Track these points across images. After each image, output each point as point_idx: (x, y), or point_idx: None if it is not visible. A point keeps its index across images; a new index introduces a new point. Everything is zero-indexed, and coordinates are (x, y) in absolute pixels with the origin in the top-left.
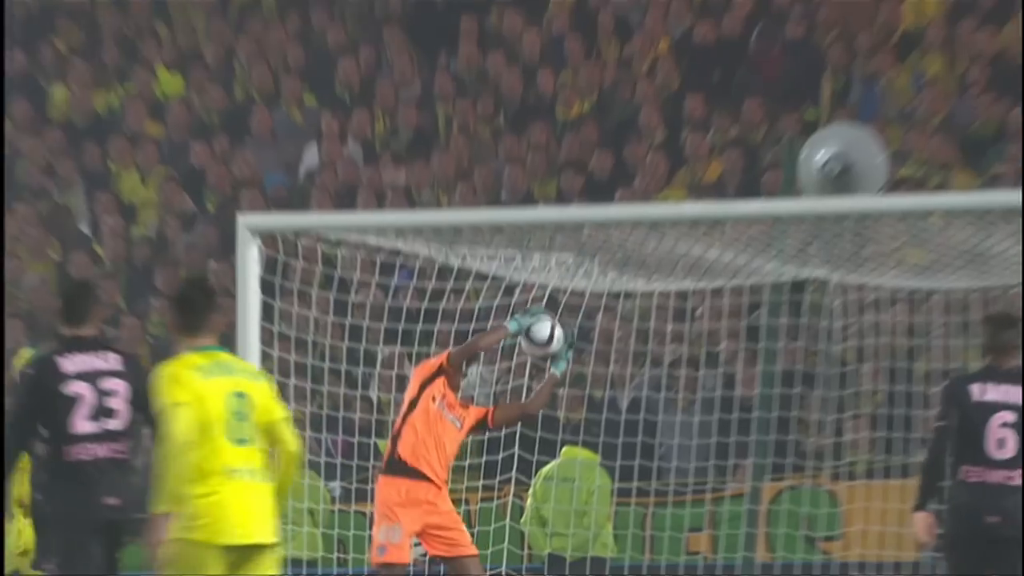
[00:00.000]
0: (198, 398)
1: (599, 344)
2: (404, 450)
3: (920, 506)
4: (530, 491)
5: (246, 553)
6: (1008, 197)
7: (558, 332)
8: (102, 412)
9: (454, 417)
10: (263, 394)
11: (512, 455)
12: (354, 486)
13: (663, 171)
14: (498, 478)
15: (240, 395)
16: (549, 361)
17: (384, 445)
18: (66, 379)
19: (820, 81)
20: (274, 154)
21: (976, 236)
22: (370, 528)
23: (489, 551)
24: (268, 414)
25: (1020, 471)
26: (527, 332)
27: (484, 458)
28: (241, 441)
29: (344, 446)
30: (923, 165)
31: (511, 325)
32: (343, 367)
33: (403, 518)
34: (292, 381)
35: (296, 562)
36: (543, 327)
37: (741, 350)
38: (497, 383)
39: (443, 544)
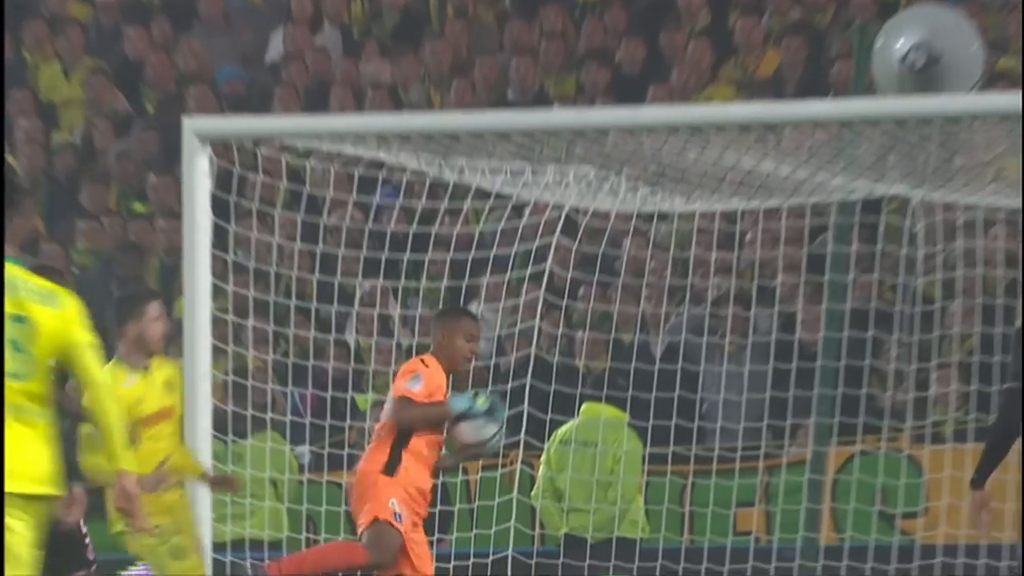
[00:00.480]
0: None
1: (627, 277)
2: (408, 475)
3: (978, 481)
4: (543, 458)
5: (22, 504)
6: None
7: (493, 442)
8: None
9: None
10: (55, 319)
11: (520, 413)
12: (327, 451)
13: (707, 63)
14: (503, 441)
15: (19, 319)
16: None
17: (363, 401)
18: None
19: None
20: (228, 42)
21: None
22: (346, 503)
23: (492, 531)
24: (62, 339)
25: None
26: (464, 420)
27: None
28: (14, 376)
29: (315, 402)
30: None
31: (458, 403)
32: (313, 305)
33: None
34: (250, 323)
35: (256, 543)
36: (486, 431)
37: (802, 284)
38: (502, 326)
39: (407, 561)
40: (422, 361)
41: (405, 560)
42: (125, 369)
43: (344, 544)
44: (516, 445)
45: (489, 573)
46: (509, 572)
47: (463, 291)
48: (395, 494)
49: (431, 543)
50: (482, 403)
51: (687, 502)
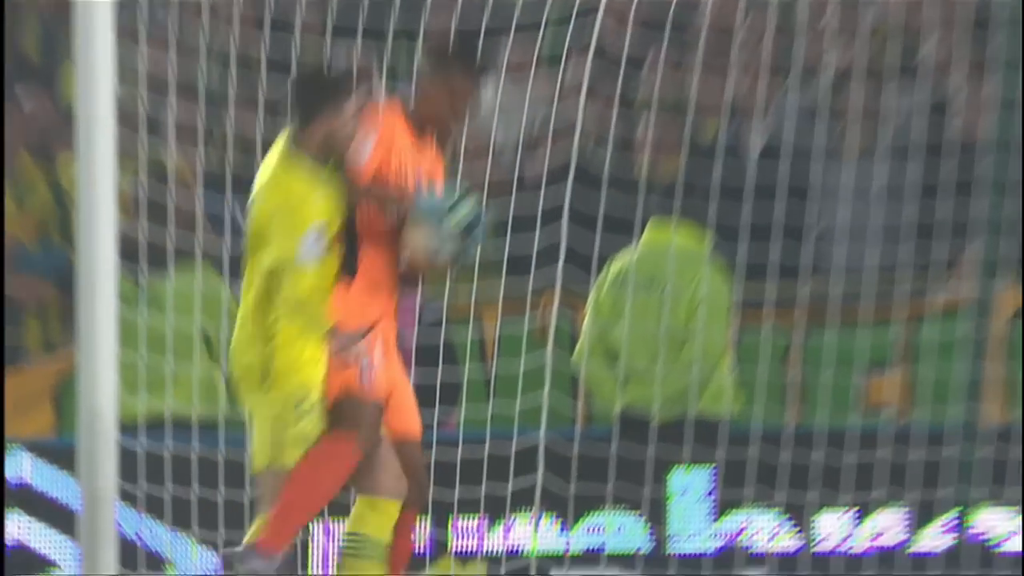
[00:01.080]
0: None
1: (708, 42)
2: (371, 276)
3: None
4: (589, 303)
5: None
6: None
7: (448, 257)
8: None
9: None
10: None
11: (556, 242)
12: None
13: None
14: (532, 279)
15: None
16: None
17: None
18: None
19: None
20: None
21: None
22: None
23: (516, 408)
24: None
25: None
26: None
27: (507, 243)
28: None
29: None
30: None
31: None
32: (261, 85)
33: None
34: (171, 109)
35: (181, 424)
36: (439, 238)
37: (959, 56)
38: (531, 115)
39: (394, 416)
40: (378, 111)
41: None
42: (301, 173)
43: (314, 461)
44: (550, 285)
45: (512, 465)
46: (541, 463)
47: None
48: (360, 316)
49: (429, 428)
50: (444, 195)
51: (794, 366)
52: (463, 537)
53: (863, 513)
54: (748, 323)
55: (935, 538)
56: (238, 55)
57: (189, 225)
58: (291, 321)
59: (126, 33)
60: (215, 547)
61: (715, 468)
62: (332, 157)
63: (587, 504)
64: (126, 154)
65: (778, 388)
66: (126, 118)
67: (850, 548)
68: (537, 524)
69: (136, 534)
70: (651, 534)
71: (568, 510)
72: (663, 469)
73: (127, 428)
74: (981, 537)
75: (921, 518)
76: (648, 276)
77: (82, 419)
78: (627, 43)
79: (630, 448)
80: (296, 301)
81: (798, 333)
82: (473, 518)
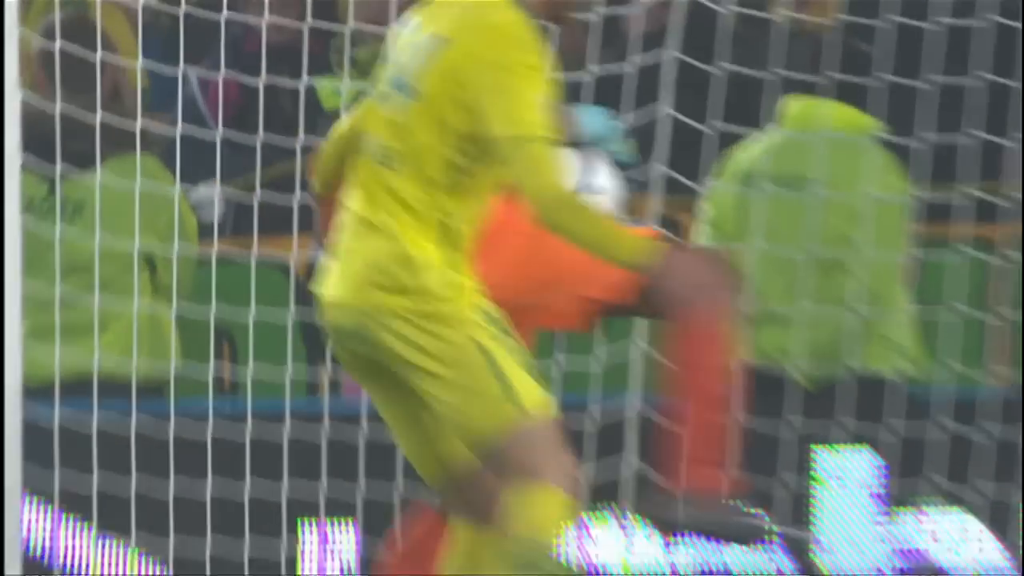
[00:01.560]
0: None
1: None
2: None
3: None
4: (702, 210)
5: None
6: None
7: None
8: None
9: None
10: None
11: (654, 121)
12: (257, 194)
13: None
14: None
15: None
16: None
17: (330, 93)
18: None
19: None
20: None
21: None
22: None
23: (596, 365)
24: None
25: None
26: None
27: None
28: None
29: (234, 94)
30: None
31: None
32: None
33: None
34: None
35: (112, 386)
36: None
37: None
38: None
39: None
40: None
41: None
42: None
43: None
44: (645, 185)
45: (592, 443)
46: (631, 441)
47: None
48: None
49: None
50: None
51: (1000, 302)
52: None
53: None
54: (934, 239)
55: None
56: None
57: (124, 98)
58: None
59: None
60: (163, 559)
61: (882, 450)
62: (553, 18)
63: None
64: None
65: (976, 335)
66: None
67: None
68: (626, 529)
69: (50, 540)
70: (789, 543)
71: None
72: (807, 450)
73: (38, 392)
74: None
75: None
76: (788, 172)
77: None
78: None
79: (760, 421)
80: None
81: (1007, 254)
82: None
